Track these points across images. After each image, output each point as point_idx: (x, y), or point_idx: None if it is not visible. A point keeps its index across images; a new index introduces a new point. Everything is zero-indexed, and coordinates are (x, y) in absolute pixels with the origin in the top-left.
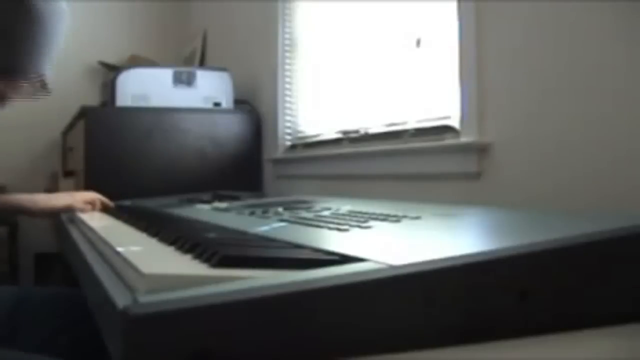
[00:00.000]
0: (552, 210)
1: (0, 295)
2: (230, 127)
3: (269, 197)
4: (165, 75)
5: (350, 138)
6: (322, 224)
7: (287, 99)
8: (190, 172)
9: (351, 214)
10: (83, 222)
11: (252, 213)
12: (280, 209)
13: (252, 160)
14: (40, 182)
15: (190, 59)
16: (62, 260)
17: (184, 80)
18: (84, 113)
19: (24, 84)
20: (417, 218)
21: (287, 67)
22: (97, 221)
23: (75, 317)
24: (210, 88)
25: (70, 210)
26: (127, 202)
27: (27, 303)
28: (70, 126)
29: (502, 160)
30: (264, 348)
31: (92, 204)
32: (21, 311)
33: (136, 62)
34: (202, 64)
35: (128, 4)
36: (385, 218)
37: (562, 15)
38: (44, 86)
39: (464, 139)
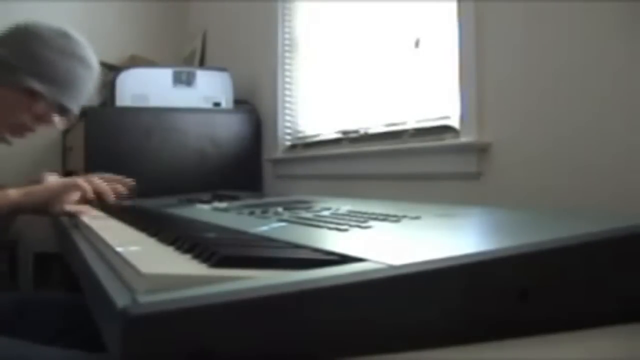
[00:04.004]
0: (552, 210)
1: (0, 301)
2: (230, 127)
3: (268, 197)
4: (165, 75)
5: (350, 138)
6: (321, 224)
7: (287, 99)
8: (190, 172)
9: (351, 214)
10: (82, 222)
11: (251, 213)
12: (279, 209)
13: (252, 160)
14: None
15: (190, 59)
16: (61, 260)
17: (184, 80)
18: (84, 113)
19: (66, 120)
20: (417, 218)
21: (287, 67)
22: (96, 221)
23: (75, 322)
24: (210, 88)
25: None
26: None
27: (27, 308)
28: (70, 126)
29: (502, 160)
30: (263, 348)
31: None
32: (21, 316)
33: (136, 62)
34: (202, 64)
35: (128, 4)
36: (385, 218)
37: (561, 15)
38: (72, 119)
39: (463, 139)
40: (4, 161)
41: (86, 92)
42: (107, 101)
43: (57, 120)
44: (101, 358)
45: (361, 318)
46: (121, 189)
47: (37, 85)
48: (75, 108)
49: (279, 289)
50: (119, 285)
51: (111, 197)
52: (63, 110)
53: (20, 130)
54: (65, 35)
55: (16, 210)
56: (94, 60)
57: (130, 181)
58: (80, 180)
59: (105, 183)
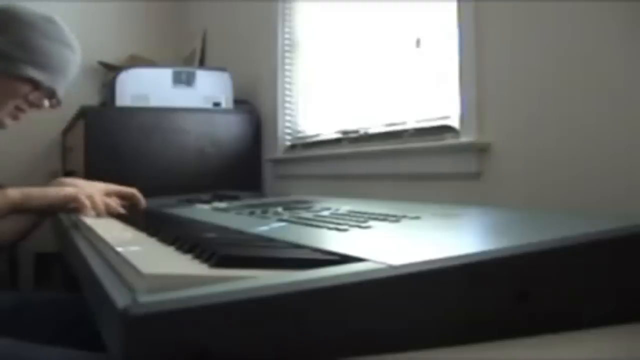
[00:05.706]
0: (552, 210)
1: (0, 301)
2: (230, 127)
3: (268, 197)
4: (164, 75)
5: (350, 138)
6: (321, 224)
7: (287, 99)
8: (190, 172)
9: (351, 214)
10: (82, 222)
11: (251, 213)
12: (279, 209)
13: (252, 160)
14: (40, 182)
15: (189, 59)
16: (61, 260)
17: (184, 80)
18: (84, 113)
19: (54, 102)
20: (417, 218)
21: (287, 67)
22: (96, 221)
23: (74, 322)
24: (210, 88)
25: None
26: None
27: (27, 308)
28: (70, 126)
29: (502, 160)
30: (263, 348)
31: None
32: (21, 316)
33: (136, 62)
34: (202, 64)
35: (128, 4)
36: (384, 218)
37: (561, 16)
38: (59, 102)
39: (463, 139)
40: (4, 161)
41: (73, 76)
42: (107, 101)
43: (47, 103)
44: (101, 358)
45: (361, 318)
46: (119, 210)
47: (37, 75)
48: (62, 91)
49: (279, 289)
50: (119, 285)
51: (104, 216)
52: (52, 95)
53: (17, 115)
54: (51, 21)
55: (15, 210)
56: (77, 44)
57: (135, 193)
58: (81, 196)
59: (105, 200)
